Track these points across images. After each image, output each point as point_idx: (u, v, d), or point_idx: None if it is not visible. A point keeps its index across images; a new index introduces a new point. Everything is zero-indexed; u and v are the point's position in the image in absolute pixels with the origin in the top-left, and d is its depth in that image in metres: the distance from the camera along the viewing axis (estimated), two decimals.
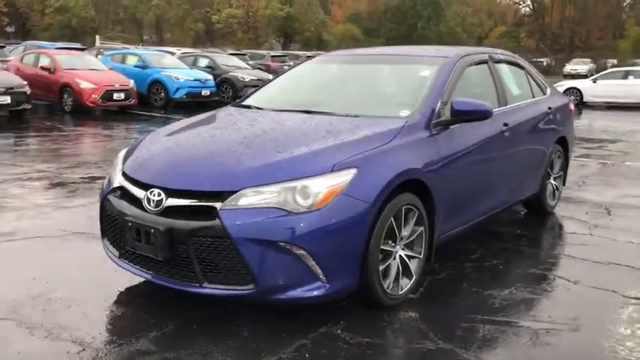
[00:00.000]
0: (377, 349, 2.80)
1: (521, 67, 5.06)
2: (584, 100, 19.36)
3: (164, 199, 2.94)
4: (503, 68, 4.68)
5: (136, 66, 15.94)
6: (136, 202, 3.09)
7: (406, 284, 3.30)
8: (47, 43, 21.41)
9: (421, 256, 3.38)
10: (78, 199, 5.51)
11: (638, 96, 18.30)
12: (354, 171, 2.92)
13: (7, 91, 11.53)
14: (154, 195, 2.98)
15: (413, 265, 3.34)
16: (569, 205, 5.68)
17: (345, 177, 2.89)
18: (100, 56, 17.40)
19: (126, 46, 24.80)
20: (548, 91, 5.30)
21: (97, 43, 28.16)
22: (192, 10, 57.82)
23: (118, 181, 3.30)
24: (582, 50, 59.99)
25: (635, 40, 56.14)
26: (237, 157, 3.05)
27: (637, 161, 8.54)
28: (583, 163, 8.28)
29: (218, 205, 2.81)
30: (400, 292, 3.24)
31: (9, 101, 11.56)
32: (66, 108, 13.38)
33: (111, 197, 3.26)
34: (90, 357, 2.66)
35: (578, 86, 19.68)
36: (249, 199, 2.81)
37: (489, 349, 2.81)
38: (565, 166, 5.49)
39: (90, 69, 13.96)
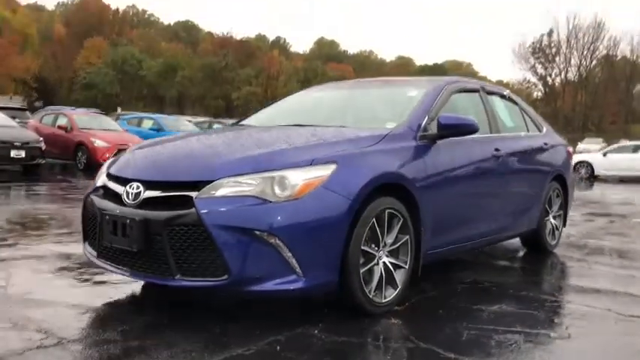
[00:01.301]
0: (352, 346, 2.67)
1: (515, 103, 5.10)
2: (596, 173, 19.32)
3: (142, 192, 2.93)
4: (496, 100, 4.72)
5: (151, 129, 16.40)
6: (116, 197, 3.08)
7: (391, 294, 3.17)
8: (68, 108, 22.13)
9: (407, 267, 3.27)
10: (74, 228, 5.51)
11: None
12: (333, 166, 2.91)
13: (23, 145, 11.82)
14: (132, 188, 2.97)
15: (398, 275, 3.23)
16: (570, 247, 5.54)
17: (324, 171, 2.87)
18: (118, 120, 17.93)
19: None
20: (545, 129, 5.31)
21: (118, 111, 29.18)
22: (213, 88, 59.92)
23: (101, 180, 3.31)
24: (595, 133, 60.43)
25: None
26: (217, 153, 3.07)
27: None
28: (590, 219, 8.14)
29: (194, 194, 2.79)
30: (384, 301, 3.12)
31: (23, 155, 11.82)
32: (79, 166, 13.64)
33: (92, 196, 3.26)
34: (52, 343, 2.57)
35: (588, 160, 19.70)
36: (225, 189, 2.78)
37: (472, 349, 2.66)
38: (565, 206, 5.40)
39: (105, 129, 14.36)
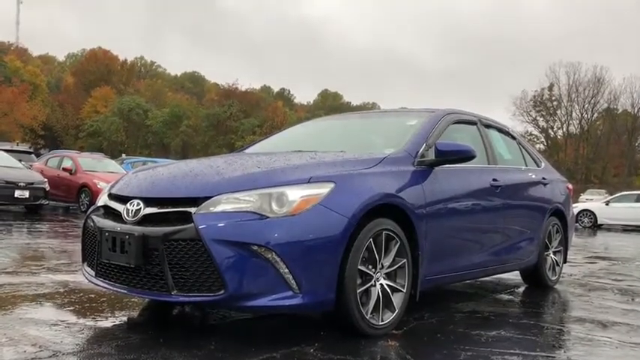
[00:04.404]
0: None
1: (513, 137, 5.17)
2: (599, 222, 19.30)
3: (142, 208, 2.97)
4: (494, 133, 4.79)
5: None
6: (116, 216, 3.12)
7: (388, 317, 3.16)
8: (73, 151, 22.41)
9: (404, 290, 3.26)
10: (73, 259, 5.51)
11: None
12: (331, 185, 2.95)
13: (27, 186, 11.95)
14: (132, 205, 3.01)
15: (396, 298, 3.22)
16: (572, 284, 5.50)
17: (321, 189, 2.91)
18: (122, 164, 18.12)
19: None
20: (543, 164, 5.37)
21: (123, 156, 29.56)
22: (217, 137, 60.58)
23: (102, 200, 3.36)
24: (598, 185, 60.41)
25: None
26: (217, 171, 3.11)
27: None
28: (592, 261, 8.09)
29: (193, 210, 2.82)
30: (381, 323, 3.10)
31: (27, 196, 11.92)
32: (82, 208, 13.67)
33: (93, 216, 3.30)
34: (46, 355, 2.55)
35: (591, 209, 19.70)
36: (224, 205, 2.82)
37: None
38: (565, 242, 5.39)
39: (109, 171, 14.48)
